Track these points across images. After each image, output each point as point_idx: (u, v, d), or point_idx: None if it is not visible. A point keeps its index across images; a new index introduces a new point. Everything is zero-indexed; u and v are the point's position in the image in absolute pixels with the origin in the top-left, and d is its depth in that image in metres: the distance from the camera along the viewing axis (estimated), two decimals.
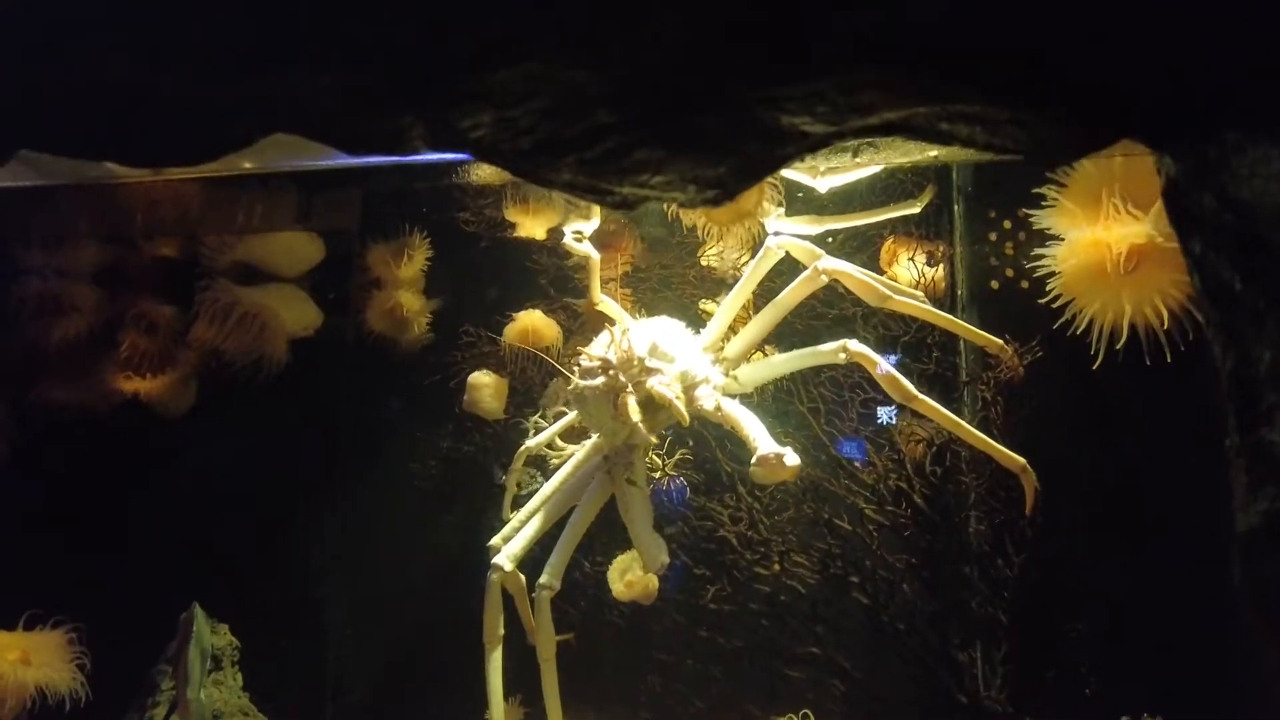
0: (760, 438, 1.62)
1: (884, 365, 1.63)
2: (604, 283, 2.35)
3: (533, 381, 2.40)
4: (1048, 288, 1.75)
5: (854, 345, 1.65)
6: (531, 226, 2.26)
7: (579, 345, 2.34)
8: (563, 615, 2.05)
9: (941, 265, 1.98)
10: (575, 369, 1.81)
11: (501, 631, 1.82)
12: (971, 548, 1.72)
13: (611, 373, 1.73)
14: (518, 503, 2.11)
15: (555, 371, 2.41)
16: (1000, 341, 1.80)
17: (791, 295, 1.75)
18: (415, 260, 2.42)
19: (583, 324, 2.35)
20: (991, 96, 0.66)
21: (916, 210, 1.94)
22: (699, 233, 2.21)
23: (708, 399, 1.75)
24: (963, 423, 1.65)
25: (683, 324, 1.87)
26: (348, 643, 2.46)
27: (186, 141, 0.97)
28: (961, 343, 1.90)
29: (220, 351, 2.31)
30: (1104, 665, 1.56)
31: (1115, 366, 1.66)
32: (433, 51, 0.65)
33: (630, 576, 2.12)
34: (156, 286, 2.39)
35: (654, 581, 2.12)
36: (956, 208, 1.96)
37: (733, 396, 1.79)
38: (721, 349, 1.88)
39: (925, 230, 1.98)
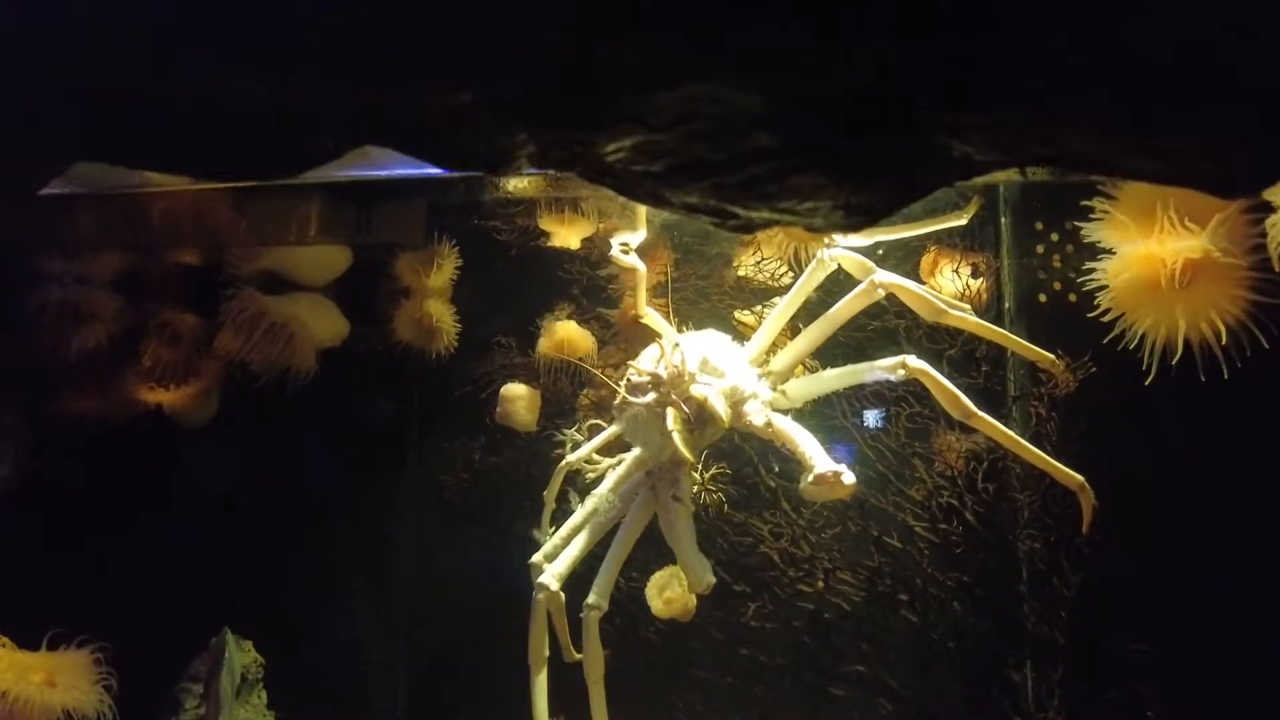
0: (816, 454, 1.59)
1: (945, 382, 1.61)
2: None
3: (564, 394, 2.36)
4: (1096, 301, 1.73)
5: (914, 361, 1.62)
6: (566, 236, 2.22)
7: (619, 356, 2.32)
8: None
9: (985, 277, 1.95)
10: (623, 384, 1.78)
11: (547, 653, 1.78)
12: (1026, 566, 1.70)
13: (662, 389, 1.69)
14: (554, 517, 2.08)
15: (591, 383, 2.39)
16: (1052, 357, 1.78)
17: (845, 309, 1.72)
18: (444, 269, 2.38)
19: (615, 334, 2.32)
20: (1197, 130, 0.62)
21: (963, 222, 1.92)
22: (734, 244, 2.19)
23: (757, 415, 1.72)
24: (1021, 440, 1.62)
25: (729, 337, 1.84)
26: (375, 659, 2.41)
27: (269, 154, 0.92)
28: (1011, 358, 1.88)
29: (246, 362, 2.25)
30: (1166, 688, 1.54)
31: (1170, 381, 1.64)
32: (586, 70, 0.62)
33: (669, 594, 2.08)
34: (179, 295, 2.34)
35: (693, 599, 2.09)
36: (1003, 219, 1.94)
37: (782, 412, 1.76)
38: (766, 363, 1.85)
39: (970, 242, 1.96)
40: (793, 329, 1.91)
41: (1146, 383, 1.63)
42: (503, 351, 2.35)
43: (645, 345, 2.34)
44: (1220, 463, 1.62)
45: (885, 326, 2.01)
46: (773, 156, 0.63)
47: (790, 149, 0.63)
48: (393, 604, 2.42)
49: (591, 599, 1.73)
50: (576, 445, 2.11)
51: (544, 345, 2.24)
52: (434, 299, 2.40)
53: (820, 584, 1.97)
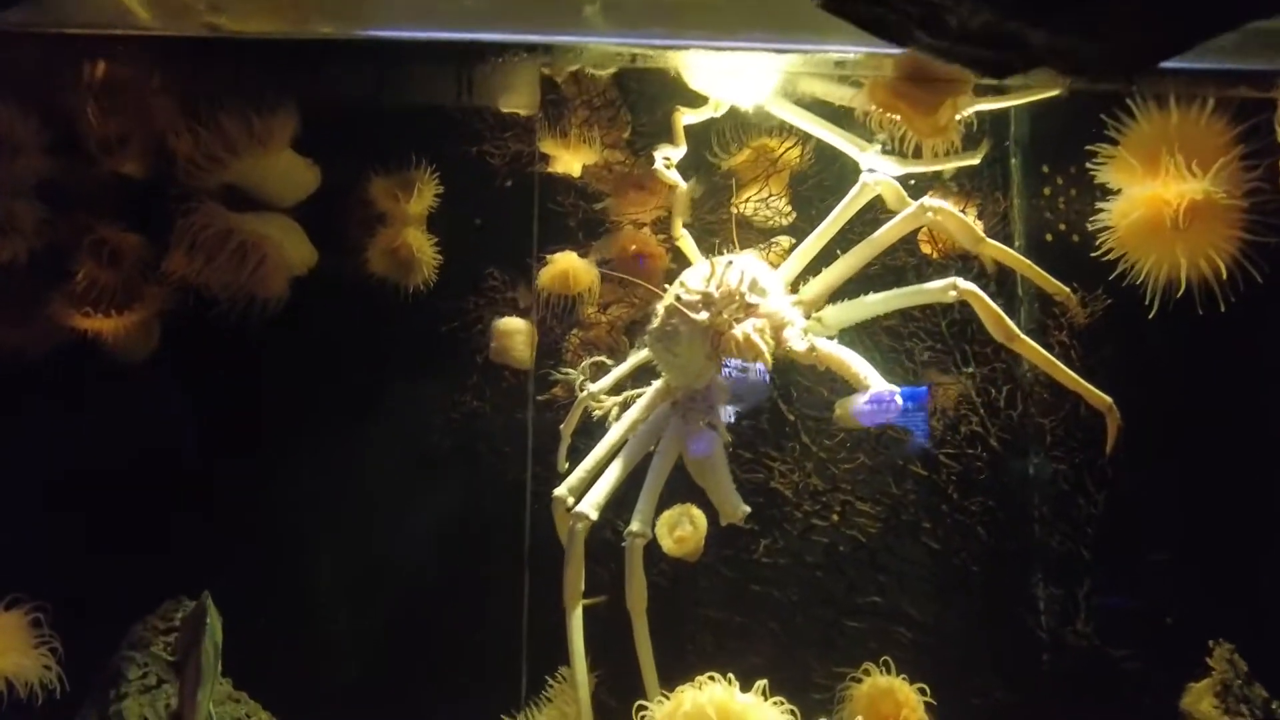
0: (872, 375, 1.59)
1: (993, 304, 1.64)
2: (638, 227, 2.25)
3: (554, 333, 2.25)
4: (1099, 242, 1.81)
5: (963, 283, 1.64)
6: (569, 161, 2.11)
7: (615, 294, 2.22)
8: (593, 576, 1.93)
9: (988, 218, 2.01)
10: (663, 306, 1.70)
11: (582, 587, 1.68)
12: (1050, 487, 1.76)
13: (714, 308, 1.63)
14: None
15: (580, 322, 2.28)
16: (1068, 291, 1.86)
17: (891, 232, 1.72)
18: (424, 195, 2.20)
19: (610, 270, 2.22)
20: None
21: (976, 161, 1.97)
22: (734, 180, 2.15)
23: (797, 340, 1.69)
24: (1057, 362, 1.68)
25: (764, 263, 1.80)
26: (343, 618, 2.20)
27: None
28: (1022, 293, 1.94)
29: (201, 288, 1.99)
30: (1186, 594, 1.64)
31: (1172, 315, 1.75)
32: None
33: (680, 532, 2.02)
34: (117, 209, 2.04)
35: (703, 538, 2.04)
36: (1013, 161, 2.01)
37: None
38: (797, 290, 1.83)
39: (980, 182, 2.01)
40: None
41: (1149, 317, 1.72)
42: (492, 287, 2.21)
43: (641, 284, 2.28)
44: (1226, 385, 1.74)
45: (893, 264, 2.03)
46: None
47: None
48: (365, 562, 2.21)
49: (635, 526, 1.64)
50: (575, 384, 2.01)
51: (544, 278, 2.12)
52: (413, 228, 2.22)
53: (836, 517, 1.97)
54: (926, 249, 2.05)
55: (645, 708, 1.44)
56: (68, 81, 1.94)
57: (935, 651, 1.84)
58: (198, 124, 1.94)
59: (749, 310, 1.65)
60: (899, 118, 1.60)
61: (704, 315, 1.61)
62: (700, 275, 1.67)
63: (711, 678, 1.43)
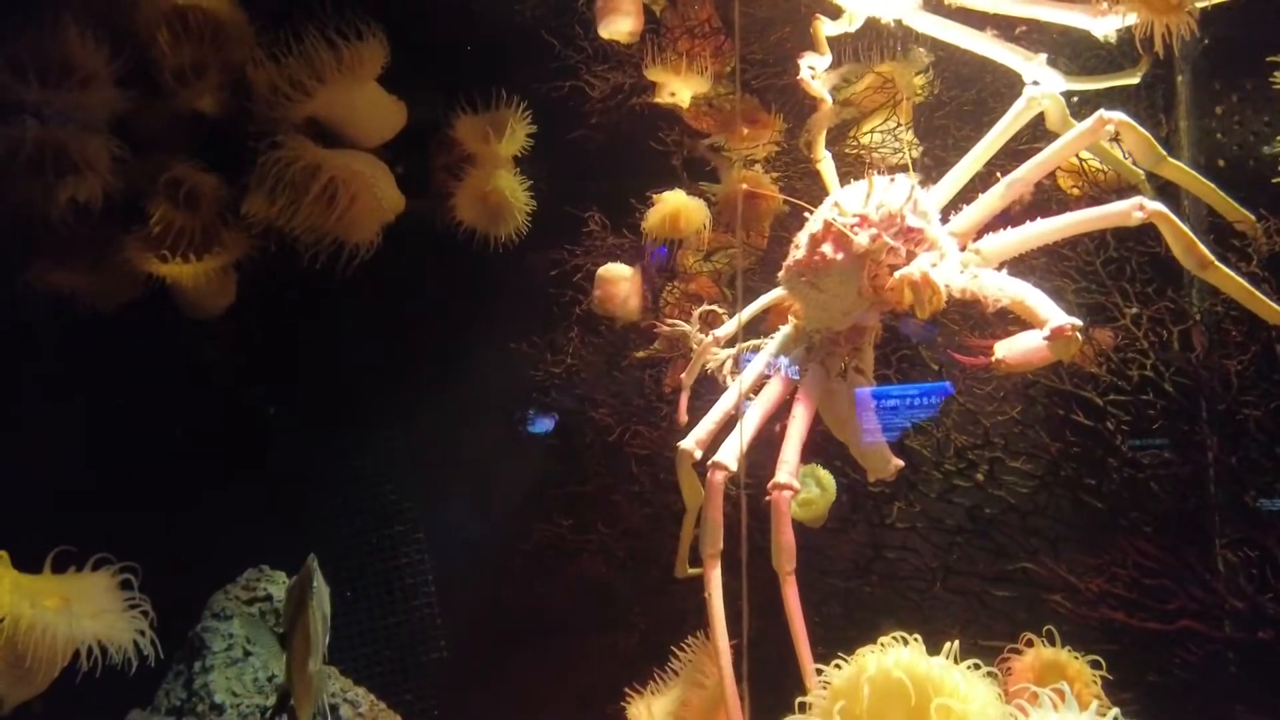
0: (1047, 308, 1.39)
1: (1184, 228, 1.44)
2: (748, 164, 2.07)
3: (655, 285, 2.08)
4: None
5: (1150, 203, 1.44)
6: (680, 90, 1.93)
7: (724, 241, 2.05)
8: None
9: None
10: (806, 235, 1.52)
11: (721, 544, 1.51)
12: (1241, 436, 1.57)
13: (874, 232, 1.44)
14: None
15: (681, 275, 2.10)
16: (1252, 217, 1.65)
17: (1064, 150, 1.52)
18: (516, 136, 2.03)
19: (717, 213, 2.05)
20: None
21: (1135, 80, 1.76)
22: (856, 109, 1.97)
23: (956, 274, 1.49)
24: (1255, 292, 1.48)
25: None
26: (432, 590, 2.05)
27: None
28: (1191, 221, 1.74)
29: (286, 231, 1.84)
30: None
31: None
32: None
33: (806, 494, 1.85)
34: (194, 147, 1.89)
35: (830, 502, 1.87)
36: (1179, 78, 1.80)
37: None
38: (947, 220, 1.64)
39: (1137, 106, 1.80)
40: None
41: None
42: (591, 233, 2.04)
43: (753, 227, 2.11)
44: None
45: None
46: None
47: None
48: (453, 530, 2.06)
49: (781, 478, 1.47)
50: (687, 335, 1.83)
51: (652, 219, 1.94)
52: (504, 171, 2.05)
53: (981, 476, 1.79)
54: (1067, 183, 1.85)
55: (821, 670, 1.27)
56: (138, 5, 1.78)
57: (1100, 624, 1.65)
58: (280, 52, 1.78)
59: (911, 237, 1.46)
60: None
61: (863, 239, 1.43)
62: (857, 195, 1.48)
63: (896, 639, 1.26)
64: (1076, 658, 1.54)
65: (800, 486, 1.49)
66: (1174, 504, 1.62)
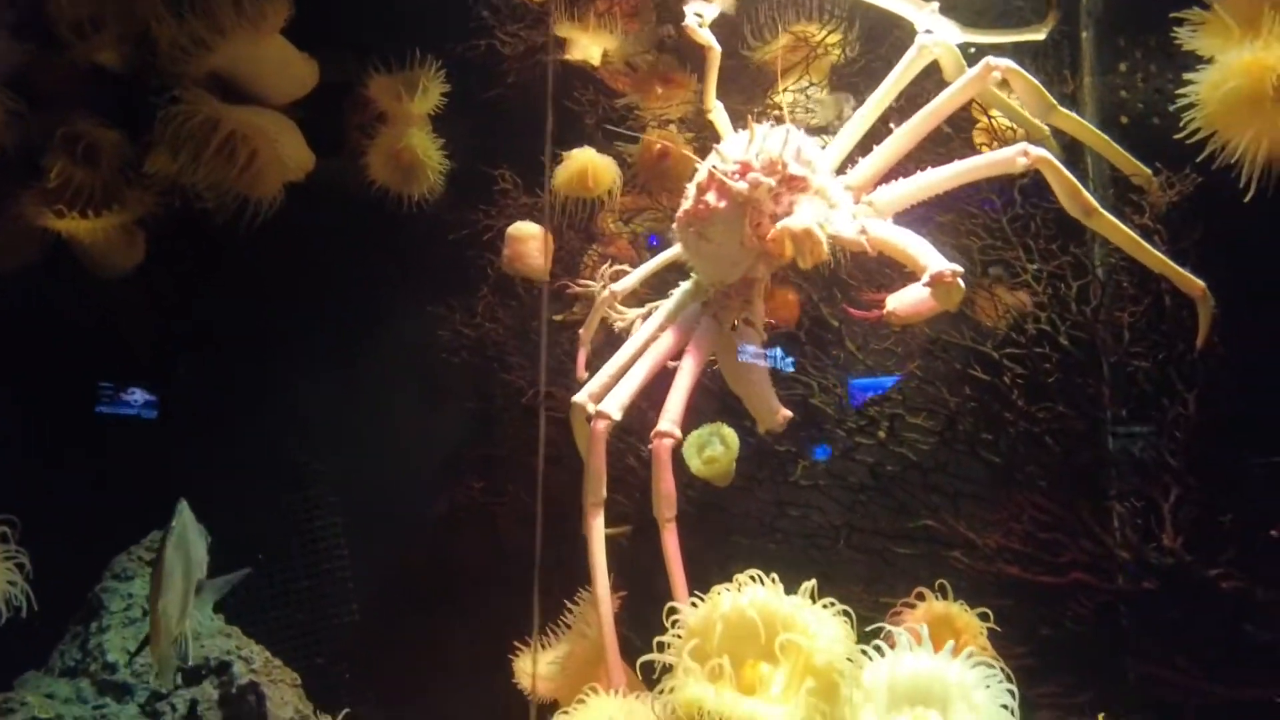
0: (928, 254, 1.39)
1: (1068, 174, 1.43)
2: (664, 124, 2.05)
3: (572, 245, 2.06)
4: (1184, 122, 1.59)
5: (1035, 149, 1.43)
6: (587, 47, 1.92)
7: (642, 201, 2.03)
8: (615, 505, 1.75)
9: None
10: (695, 183, 1.51)
11: (604, 493, 1.50)
12: (1131, 388, 1.57)
13: (752, 177, 1.43)
14: None
15: (599, 235, 2.09)
16: (1148, 171, 1.65)
17: (952, 99, 1.51)
18: (430, 94, 2.02)
19: (634, 175, 2.04)
20: None
21: (1041, 37, 1.76)
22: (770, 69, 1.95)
23: (846, 224, 1.49)
24: (1141, 241, 1.48)
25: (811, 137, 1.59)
26: (344, 554, 2.04)
27: None
28: (1094, 174, 1.74)
29: (188, 188, 1.82)
30: None
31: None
32: None
33: (710, 452, 1.84)
34: (93, 102, 1.87)
35: (734, 459, 1.86)
36: (1084, 34, 1.79)
37: None
38: (844, 173, 1.63)
39: (1044, 62, 1.80)
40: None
41: (1245, 200, 1.51)
42: (503, 191, 2.02)
43: (669, 188, 2.09)
44: None
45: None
46: None
47: None
48: (365, 490, 2.05)
49: (663, 425, 1.46)
50: (595, 295, 1.82)
51: (560, 178, 1.93)
52: (417, 129, 2.04)
53: (883, 434, 1.78)
54: (981, 139, 1.85)
55: (676, 610, 1.26)
56: None
57: (996, 579, 1.64)
58: (184, 7, 1.77)
59: (793, 184, 1.45)
60: None
61: (742, 185, 1.42)
62: (739, 143, 1.47)
63: (753, 577, 1.25)
64: (966, 611, 1.54)
65: (680, 435, 1.48)
66: (1068, 458, 1.62)
